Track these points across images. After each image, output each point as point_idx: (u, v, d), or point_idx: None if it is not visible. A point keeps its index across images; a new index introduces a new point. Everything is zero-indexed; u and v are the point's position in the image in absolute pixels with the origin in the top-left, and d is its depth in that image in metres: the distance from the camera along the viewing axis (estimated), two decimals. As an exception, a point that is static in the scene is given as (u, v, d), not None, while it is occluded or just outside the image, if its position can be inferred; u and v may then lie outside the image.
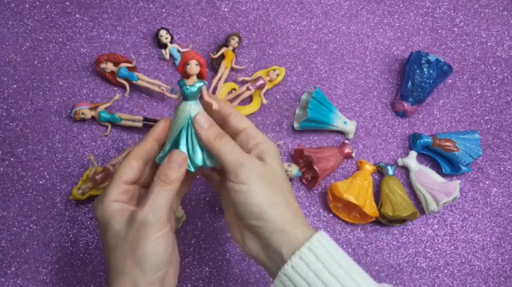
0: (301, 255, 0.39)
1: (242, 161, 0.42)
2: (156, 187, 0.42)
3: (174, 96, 0.46)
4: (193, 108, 0.44)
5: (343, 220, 0.66)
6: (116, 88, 0.70)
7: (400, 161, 0.70)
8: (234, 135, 0.46)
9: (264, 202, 0.41)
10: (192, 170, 0.44)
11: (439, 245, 0.67)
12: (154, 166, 0.46)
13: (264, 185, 0.41)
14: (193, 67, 0.45)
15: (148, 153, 0.45)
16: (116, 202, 0.43)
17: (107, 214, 0.42)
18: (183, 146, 0.44)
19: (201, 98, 0.46)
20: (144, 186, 0.47)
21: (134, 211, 0.42)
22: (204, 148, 0.45)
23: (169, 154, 0.44)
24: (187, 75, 0.45)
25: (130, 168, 0.44)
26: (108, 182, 0.44)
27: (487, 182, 0.71)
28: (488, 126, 0.74)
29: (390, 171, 0.68)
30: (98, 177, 0.62)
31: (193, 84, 0.44)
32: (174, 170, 0.43)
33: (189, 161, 0.44)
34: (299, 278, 0.39)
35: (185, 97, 0.44)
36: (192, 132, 0.44)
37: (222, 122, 0.47)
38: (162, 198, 0.42)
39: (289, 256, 0.40)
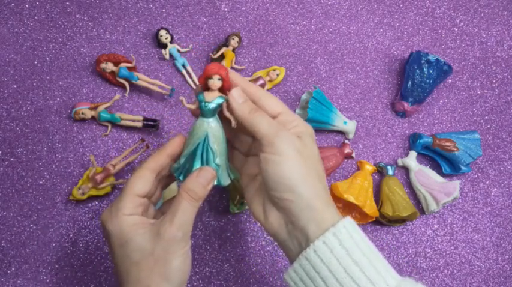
0: (325, 240, 0.38)
1: (279, 132, 0.41)
2: (184, 202, 0.42)
3: (192, 106, 0.44)
4: (210, 126, 0.43)
5: (343, 220, 0.66)
6: (116, 88, 0.70)
7: (400, 161, 0.70)
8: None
9: (298, 175, 0.40)
10: (222, 184, 0.44)
11: (439, 245, 0.67)
12: (162, 179, 0.47)
13: (299, 159, 0.40)
14: (216, 82, 0.42)
15: (162, 167, 0.45)
16: (132, 215, 0.43)
17: (127, 228, 0.42)
18: (197, 163, 0.43)
19: (220, 113, 0.44)
20: (148, 197, 0.46)
21: (158, 225, 0.42)
22: (219, 166, 0.44)
23: (200, 169, 0.43)
24: (207, 88, 0.43)
25: (145, 181, 0.44)
26: (119, 195, 0.44)
27: (487, 182, 0.71)
28: (488, 126, 0.74)
29: (390, 171, 0.68)
30: (98, 177, 0.62)
31: (212, 101, 0.42)
32: (203, 186, 0.42)
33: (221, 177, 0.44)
34: (320, 263, 0.38)
35: (203, 113, 0.43)
36: (207, 150, 0.43)
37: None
38: (189, 214, 0.42)
39: (315, 235, 0.39)
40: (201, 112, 0.43)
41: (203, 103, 0.42)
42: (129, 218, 0.42)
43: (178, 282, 0.42)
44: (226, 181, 0.45)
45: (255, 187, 0.45)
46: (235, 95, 0.43)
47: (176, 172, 0.44)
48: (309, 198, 0.40)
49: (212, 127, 0.43)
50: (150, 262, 0.41)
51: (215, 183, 0.44)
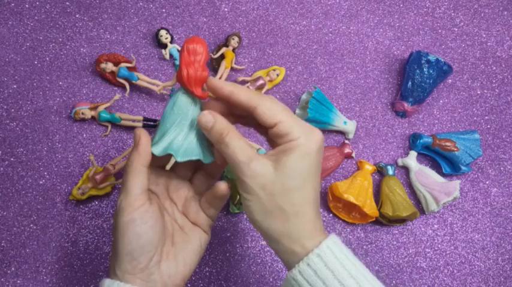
0: (309, 262, 0.38)
1: (241, 174, 0.40)
2: (124, 174, 0.43)
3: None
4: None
5: (343, 220, 0.66)
6: (116, 88, 0.70)
7: (400, 161, 0.70)
8: (267, 127, 0.41)
9: (262, 217, 0.40)
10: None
11: (439, 245, 0.67)
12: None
13: (263, 197, 0.39)
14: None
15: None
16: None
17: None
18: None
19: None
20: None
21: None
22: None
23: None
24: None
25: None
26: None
27: (487, 182, 0.71)
28: (488, 126, 0.74)
29: (390, 171, 0.68)
30: (98, 177, 0.62)
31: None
32: (134, 150, 0.42)
33: (176, 150, 0.42)
34: (307, 285, 0.38)
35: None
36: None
37: (249, 114, 0.42)
38: (130, 181, 0.42)
39: (300, 258, 0.39)
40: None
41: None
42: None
43: (123, 255, 0.41)
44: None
45: None
46: (204, 121, 0.41)
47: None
48: (277, 236, 0.40)
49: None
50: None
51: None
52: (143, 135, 0.43)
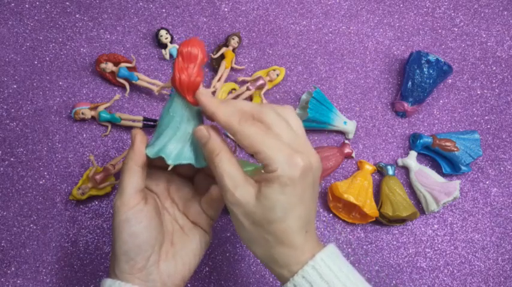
0: (304, 274, 0.38)
1: (226, 200, 0.40)
2: (121, 173, 0.43)
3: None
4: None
5: (343, 220, 0.66)
6: (116, 88, 0.70)
7: (400, 161, 0.70)
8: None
9: (248, 241, 0.41)
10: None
11: (439, 245, 0.67)
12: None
13: (247, 225, 0.40)
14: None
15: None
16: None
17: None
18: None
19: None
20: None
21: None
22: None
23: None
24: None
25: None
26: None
27: (487, 182, 0.71)
28: (488, 126, 0.74)
29: (390, 171, 0.68)
30: (98, 177, 0.62)
31: None
32: (129, 149, 0.43)
33: (175, 154, 0.42)
34: None
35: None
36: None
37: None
38: (125, 181, 0.42)
39: (292, 273, 0.40)
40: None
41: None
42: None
43: (120, 255, 0.41)
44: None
45: None
46: (198, 136, 0.41)
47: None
48: (264, 261, 0.41)
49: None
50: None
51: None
52: (138, 135, 0.43)
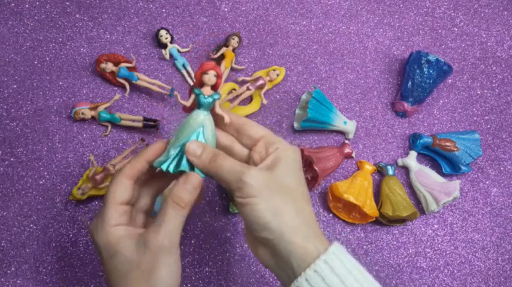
0: (316, 268, 0.38)
1: (240, 176, 0.40)
2: (170, 210, 0.41)
3: (185, 102, 0.45)
4: (206, 118, 0.44)
5: (343, 220, 0.66)
6: (116, 88, 0.70)
7: (400, 161, 0.70)
8: (251, 145, 0.45)
9: (267, 212, 0.39)
10: (202, 176, 0.43)
11: (439, 245, 0.67)
12: (147, 184, 0.46)
13: (267, 195, 0.40)
14: (212, 78, 0.44)
15: (140, 172, 0.44)
16: (118, 226, 0.42)
17: (113, 240, 0.41)
18: None
19: (212, 110, 0.45)
20: (131, 204, 0.45)
21: (145, 235, 0.41)
22: None
23: (186, 175, 0.42)
24: (201, 84, 0.45)
25: (125, 188, 0.43)
26: (103, 205, 0.43)
27: (487, 182, 0.71)
28: (488, 126, 0.74)
29: (390, 171, 0.68)
30: (98, 177, 0.62)
31: (211, 95, 0.44)
32: (189, 193, 0.41)
33: (196, 171, 0.43)
34: None
35: (200, 106, 0.44)
36: (203, 141, 0.43)
37: (236, 133, 0.46)
38: (177, 222, 0.41)
39: (301, 268, 0.39)
40: (198, 105, 0.44)
41: (202, 96, 0.43)
42: (115, 229, 0.41)
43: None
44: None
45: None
46: (191, 148, 0.42)
47: (162, 165, 0.43)
48: (283, 233, 0.39)
49: (208, 119, 0.44)
50: (137, 275, 0.40)
51: (202, 175, 0.43)
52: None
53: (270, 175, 0.41)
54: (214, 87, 0.45)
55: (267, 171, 0.41)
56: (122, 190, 0.43)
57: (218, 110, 0.45)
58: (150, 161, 0.44)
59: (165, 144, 0.44)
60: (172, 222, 0.40)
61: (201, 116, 0.43)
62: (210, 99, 0.44)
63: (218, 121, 0.45)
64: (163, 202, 0.50)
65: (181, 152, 0.43)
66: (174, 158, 0.43)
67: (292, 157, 0.43)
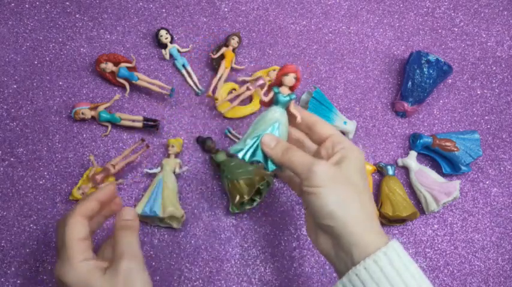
0: (376, 259, 0.40)
1: (311, 167, 0.43)
2: (123, 232, 0.46)
3: (266, 99, 0.49)
4: (282, 115, 0.48)
5: (343, 220, 0.66)
6: (116, 88, 0.70)
7: (400, 161, 0.70)
8: (319, 141, 0.48)
9: (334, 202, 0.42)
10: (269, 170, 0.47)
11: (439, 245, 0.67)
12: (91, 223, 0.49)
13: (335, 186, 0.42)
14: (291, 79, 0.48)
15: (92, 212, 0.47)
16: (86, 260, 0.43)
17: (84, 275, 0.43)
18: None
19: (287, 108, 0.49)
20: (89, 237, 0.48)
21: (111, 263, 0.44)
22: None
23: (125, 208, 0.48)
24: (280, 83, 0.48)
25: (82, 225, 0.45)
26: (62, 247, 0.45)
27: (487, 182, 0.71)
28: (488, 126, 0.74)
29: (390, 171, 0.68)
30: (98, 177, 0.62)
31: (289, 95, 0.48)
32: (137, 217, 0.48)
33: (269, 162, 0.47)
34: (370, 280, 0.40)
35: (277, 103, 0.48)
36: (278, 134, 0.47)
37: (307, 130, 0.50)
38: (133, 241, 0.45)
39: (360, 258, 0.40)
40: (275, 102, 0.48)
41: (281, 94, 0.48)
42: (83, 264, 0.43)
43: None
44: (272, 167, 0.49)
45: (309, 212, 0.47)
46: (266, 140, 0.46)
47: (239, 152, 0.47)
48: (347, 223, 0.42)
49: (283, 116, 0.48)
50: None
51: (268, 167, 0.47)
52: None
53: (338, 169, 0.44)
54: (292, 88, 0.49)
55: (335, 165, 0.44)
56: (79, 227, 0.45)
57: (293, 109, 0.49)
58: (101, 202, 0.48)
59: (115, 187, 0.49)
60: (131, 243, 0.45)
61: (278, 113, 0.48)
62: (287, 99, 0.48)
63: (291, 119, 0.49)
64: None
65: (257, 144, 0.47)
66: (250, 148, 0.47)
67: (358, 156, 0.46)
